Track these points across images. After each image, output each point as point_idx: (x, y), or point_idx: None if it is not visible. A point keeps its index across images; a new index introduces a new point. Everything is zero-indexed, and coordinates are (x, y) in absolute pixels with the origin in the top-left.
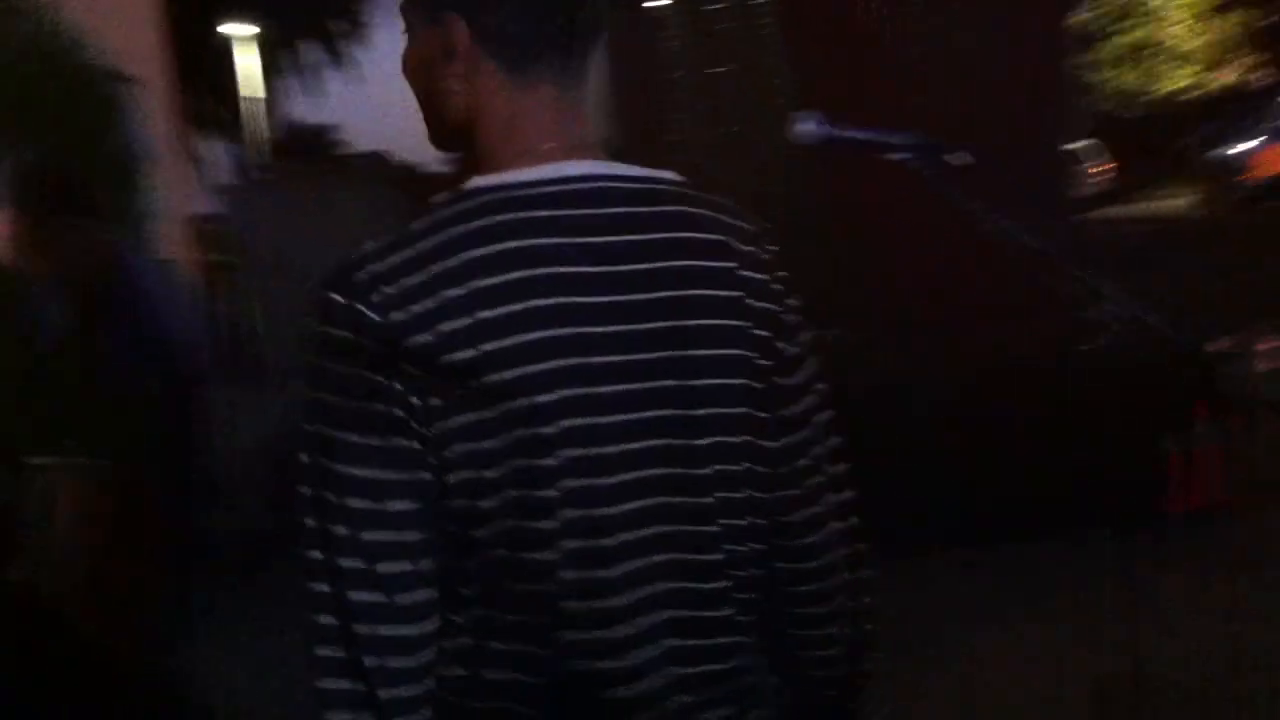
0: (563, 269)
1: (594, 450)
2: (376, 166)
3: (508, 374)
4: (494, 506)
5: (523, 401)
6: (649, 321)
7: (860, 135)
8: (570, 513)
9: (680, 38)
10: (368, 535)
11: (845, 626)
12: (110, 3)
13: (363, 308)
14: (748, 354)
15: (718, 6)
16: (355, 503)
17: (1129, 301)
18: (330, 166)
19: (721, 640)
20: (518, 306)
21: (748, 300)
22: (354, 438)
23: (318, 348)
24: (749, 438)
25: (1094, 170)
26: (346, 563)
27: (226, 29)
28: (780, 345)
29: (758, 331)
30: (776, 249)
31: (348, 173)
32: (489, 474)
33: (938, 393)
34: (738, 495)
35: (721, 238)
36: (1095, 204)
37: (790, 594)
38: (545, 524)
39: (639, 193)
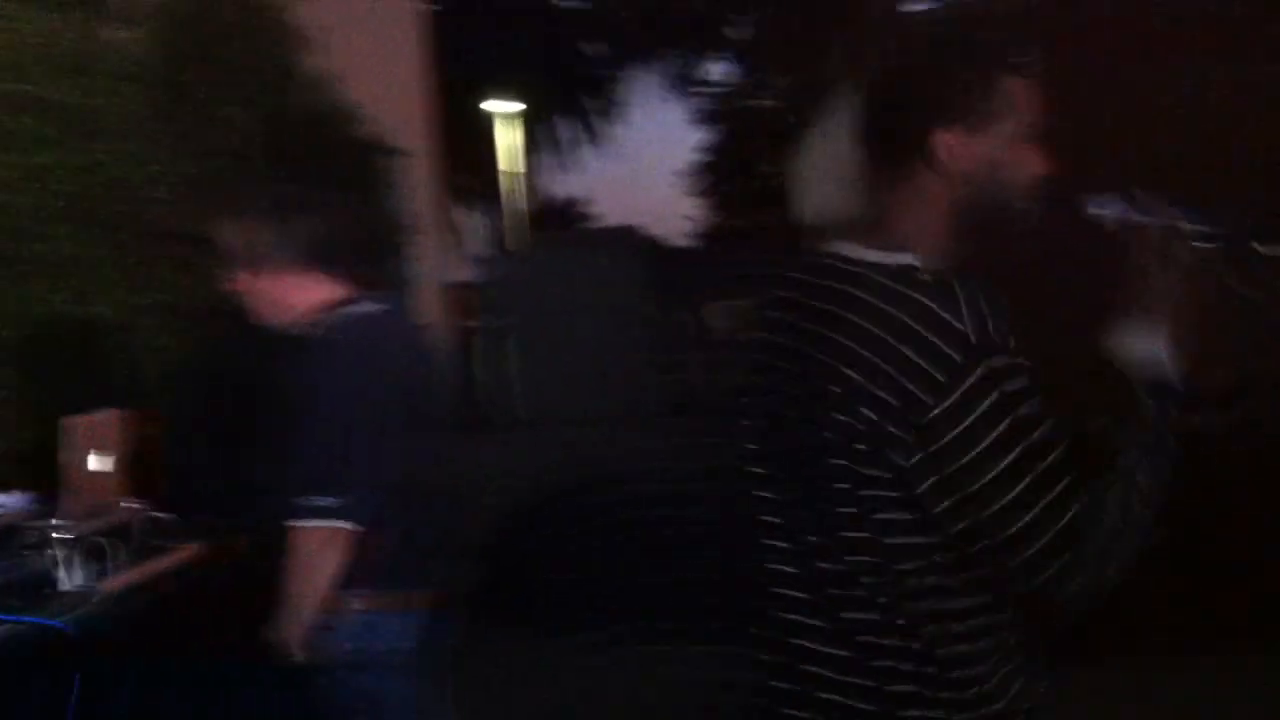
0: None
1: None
2: (626, 240)
3: None
4: None
5: None
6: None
7: (1162, 218)
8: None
9: None
10: None
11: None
12: (384, 79)
13: None
14: (853, 420)
15: None
16: None
17: None
18: (582, 239)
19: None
20: None
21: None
22: None
23: None
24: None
25: None
26: None
27: (489, 106)
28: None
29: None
30: (919, 332)
31: (598, 245)
32: None
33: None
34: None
35: (846, 312)
36: None
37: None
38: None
39: (823, 271)
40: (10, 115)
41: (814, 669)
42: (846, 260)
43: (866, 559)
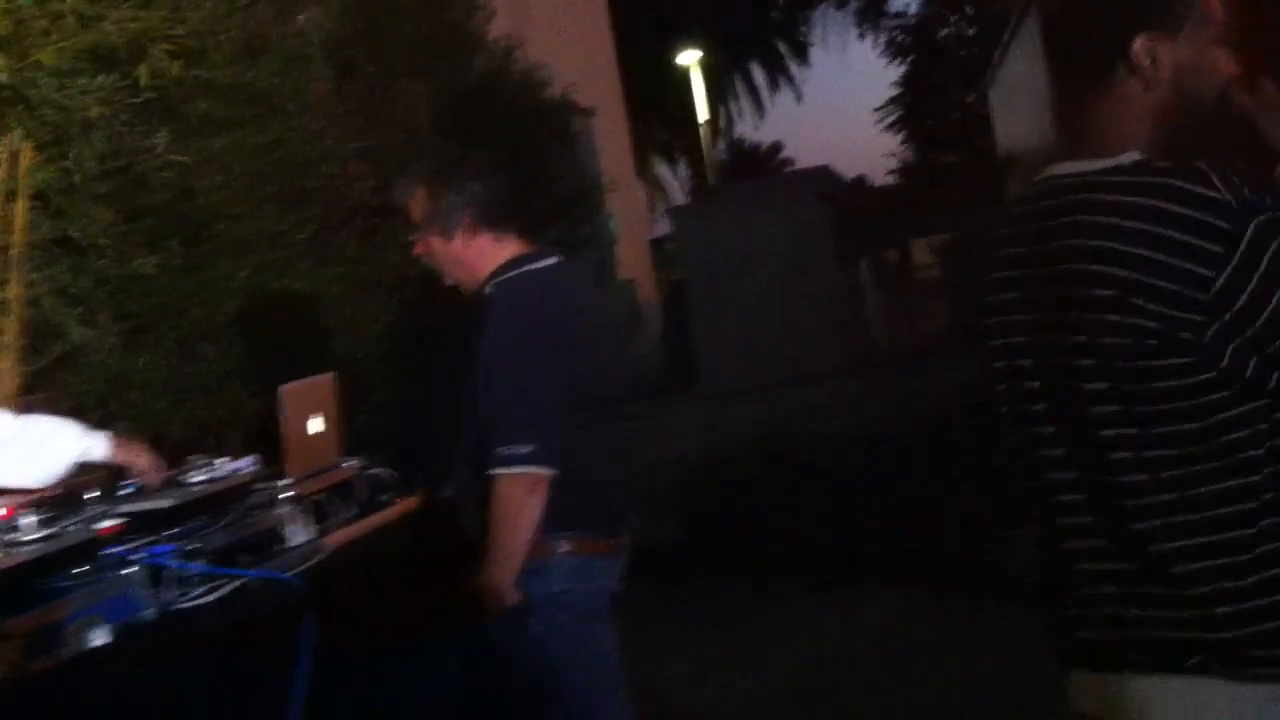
0: None
1: None
2: (820, 181)
3: None
4: None
5: None
6: None
7: None
8: None
9: None
10: None
11: None
12: (569, 39)
13: None
14: None
15: None
16: None
17: None
18: (774, 183)
19: None
20: None
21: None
22: None
23: None
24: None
25: None
26: None
27: (676, 57)
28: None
29: None
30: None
31: (789, 189)
32: None
33: None
34: None
35: (1094, 217)
36: None
37: None
38: None
39: (1047, 193)
40: (188, 101)
41: (1136, 588)
42: (1071, 176)
43: (1164, 452)
